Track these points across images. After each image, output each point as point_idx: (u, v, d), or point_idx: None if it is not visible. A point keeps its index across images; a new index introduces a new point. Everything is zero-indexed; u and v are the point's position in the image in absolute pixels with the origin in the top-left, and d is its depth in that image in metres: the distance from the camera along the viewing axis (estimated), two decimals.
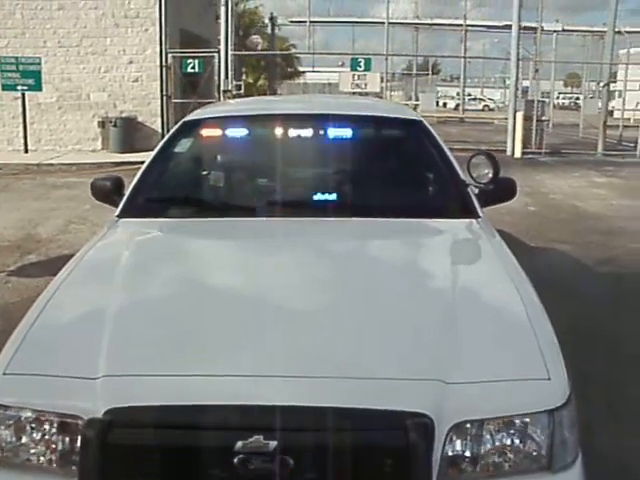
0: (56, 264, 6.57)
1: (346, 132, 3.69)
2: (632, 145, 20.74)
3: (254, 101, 6.46)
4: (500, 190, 3.52)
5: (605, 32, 23.86)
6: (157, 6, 17.62)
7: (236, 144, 3.92)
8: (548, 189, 12.95)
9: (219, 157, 4.03)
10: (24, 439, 1.94)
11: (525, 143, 19.34)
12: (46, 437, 1.93)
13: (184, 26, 18.94)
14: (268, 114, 4.02)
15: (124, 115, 17.74)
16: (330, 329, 2.19)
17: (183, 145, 3.90)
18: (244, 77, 24.94)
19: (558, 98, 41.97)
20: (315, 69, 35.07)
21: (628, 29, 26.66)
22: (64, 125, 18.10)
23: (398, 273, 2.71)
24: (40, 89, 17.00)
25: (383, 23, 31.60)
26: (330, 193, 3.38)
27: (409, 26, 36.70)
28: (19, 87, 16.78)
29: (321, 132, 3.75)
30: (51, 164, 15.56)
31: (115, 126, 17.30)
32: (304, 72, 41.26)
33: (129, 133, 17.45)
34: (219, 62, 18.51)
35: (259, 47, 25.36)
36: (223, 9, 19.06)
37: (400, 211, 3.24)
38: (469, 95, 49.33)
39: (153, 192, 3.56)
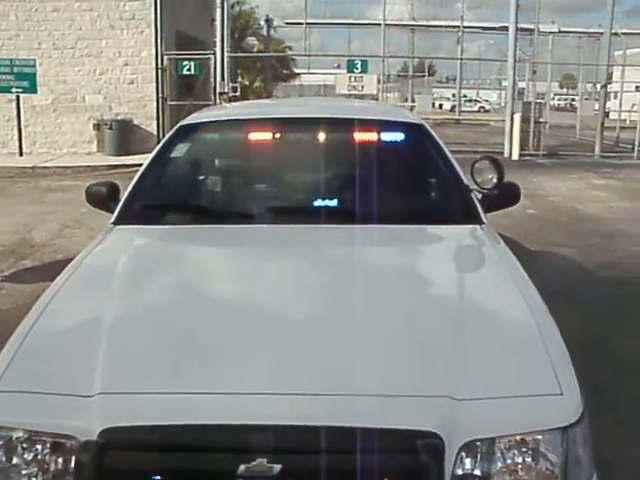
0: (51, 269, 6.52)
1: (346, 136, 3.63)
2: (629, 147, 20.77)
3: (251, 104, 6.40)
4: (504, 195, 3.44)
5: (601, 34, 23.91)
6: (152, 8, 17.57)
7: (233, 149, 3.84)
8: (546, 191, 12.90)
9: (216, 162, 3.95)
10: (15, 460, 1.86)
11: (522, 145, 19.32)
12: (38, 458, 1.85)
13: (180, 28, 18.89)
14: (266, 118, 3.94)
15: (119, 117, 17.67)
16: (334, 343, 2.11)
17: (180, 150, 3.82)
18: (240, 79, 24.86)
19: (554, 99, 42.02)
20: (311, 71, 35.02)
21: (624, 30, 26.66)
22: (59, 128, 18.02)
23: (402, 283, 2.63)
24: (35, 91, 16.90)
25: (379, 25, 31.53)
26: (331, 199, 3.30)
27: (405, 28, 36.69)
28: (14, 89, 16.67)
29: (320, 136, 3.67)
30: (46, 167, 15.48)
31: (110, 129, 17.23)
32: (300, 74, 41.19)
33: (125, 136, 17.37)
34: (215, 64, 18.46)
35: (255, 49, 25.31)
36: (219, 11, 19.04)
37: (402, 217, 3.17)
38: (465, 97, 49.36)
39: (149, 199, 3.48)
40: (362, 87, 19.88)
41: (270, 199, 3.45)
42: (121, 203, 3.36)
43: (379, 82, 22.52)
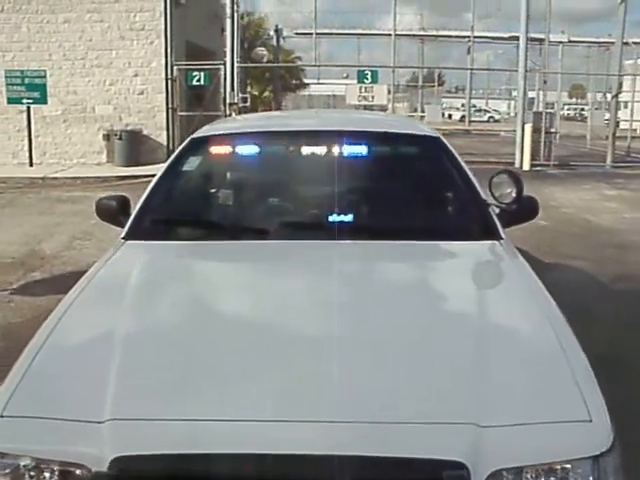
0: (61, 282, 6.47)
1: (361, 150, 3.54)
2: None
3: (263, 117, 6.33)
4: (522, 209, 3.35)
5: (611, 43, 23.79)
6: (162, 18, 17.62)
7: (246, 163, 3.77)
8: (558, 202, 12.79)
9: (229, 176, 3.89)
10: None
11: (533, 155, 19.19)
12: None
13: (190, 38, 18.91)
14: (279, 131, 3.88)
15: (129, 128, 17.68)
16: (352, 366, 2.03)
17: (191, 163, 3.76)
18: (249, 89, 24.86)
19: (563, 109, 41.90)
20: (320, 81, 34.99)
21: (635, 40, 26.51)
22: (69, 138, 18.05)
23: (419, 302, 2.55)
24: (45, 102, 16.97)
25: (389, 35, 31.49)
26: (346, 214, 3.20)
27: (414, 38, 36.62)
28: (24, 100, 16.75)
29: (335, 150, 3.58)
30: (56, 178, 15.50)
31: (120, 139, 17.24)
32: (309, 84, 41.19)
33: (134, 146, 17.39)
34: (225, 74, 18.44)
35: (265, 59, 25.29)
36: (229, 21, 19.01)
37: (420, 233, 3.09)
38: (474, 106, 49.26)
39: (161, 213, 3.41)
40: (372, 97, 19.82)
41: (283, 214, 3.37)
42: (132, 218, 3.30)
43: (389, 92, 22.43)
